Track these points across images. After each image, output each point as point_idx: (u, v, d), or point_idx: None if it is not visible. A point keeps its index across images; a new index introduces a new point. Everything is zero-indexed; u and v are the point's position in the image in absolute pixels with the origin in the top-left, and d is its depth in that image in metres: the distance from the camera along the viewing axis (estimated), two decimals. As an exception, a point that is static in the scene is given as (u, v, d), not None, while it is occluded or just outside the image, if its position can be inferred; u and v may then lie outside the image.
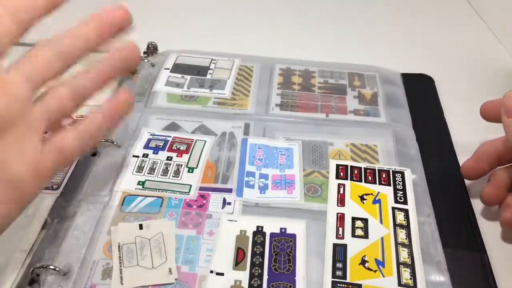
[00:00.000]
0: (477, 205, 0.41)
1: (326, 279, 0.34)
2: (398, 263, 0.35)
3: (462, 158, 0.44)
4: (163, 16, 0.65)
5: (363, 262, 0.35)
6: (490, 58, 0.60)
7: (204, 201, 0.40)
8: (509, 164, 0.40)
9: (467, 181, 0.43)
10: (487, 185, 0.40)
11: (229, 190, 0.41)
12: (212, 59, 0.55)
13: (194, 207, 0.39)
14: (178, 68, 0.54)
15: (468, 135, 0.47)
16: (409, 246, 0.36)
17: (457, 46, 0.62)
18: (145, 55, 0.55)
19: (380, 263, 0.35)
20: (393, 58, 0.58)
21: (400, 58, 0.58)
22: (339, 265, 0.35)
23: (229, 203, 0.40)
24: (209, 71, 0.53)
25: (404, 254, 0.36)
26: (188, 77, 0.53)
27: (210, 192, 0.40)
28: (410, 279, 0.34)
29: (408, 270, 0.35)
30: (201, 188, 0.41)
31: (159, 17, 0.65)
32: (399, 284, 0.34)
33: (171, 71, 0.53)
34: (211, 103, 0.49)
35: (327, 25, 0.66)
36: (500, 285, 0.35)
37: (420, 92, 0.53)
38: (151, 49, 0.56)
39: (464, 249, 0.37)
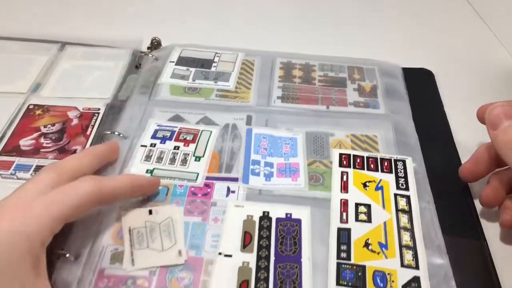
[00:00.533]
0: (477, 206, 0.41)
1: (331, 260, 0.35)
2: (401, 246, 0.36)
3: (461, 150, 0.45)
4: (167, 11, 0.66)
5: (366, 244, 0.36)
6: (490, 58, 0.60)
7: (209, 190, 0.40)
8: (508, 167, 0.40)
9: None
10: (486, 187, 0.40)
11: (235, 179, 0.41)
12: (216, 53, 0.56)
13: (199, 195, 0.40)
14: (183, 61, 0.55)
15: (468, 129, 0.47)
16: (411, 230, 0.37)
17: (457, 46, 0.62)
18: (149, 50, 0.56)
19: (383, 246, 0.36)
20: (393, 54, 0.58)
21: (400, 55, 0.58)
22: (344, 247, 0.36)
23: (233, 191, 0.40)
24: (213, 64, 0.54)
25: (406, 237, 0.37)
26: (193, 69, 0.53)
27: (214, 181, 0.41)
28: (413, 260, 0.35)
29: (411, 252, 0.36)
30: (206, 178, 0.41)
31: (163, 12, 0.66)
32: (402, 265, 0.35)
33: (176, 64, 0.54)
34: (214, 95, 0.50)
35: (327, 19, 0.66)
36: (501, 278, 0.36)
37: (420, 86, 0.53)
38: (155, 44, 0.57)
39: (463, 235, 0.38)
